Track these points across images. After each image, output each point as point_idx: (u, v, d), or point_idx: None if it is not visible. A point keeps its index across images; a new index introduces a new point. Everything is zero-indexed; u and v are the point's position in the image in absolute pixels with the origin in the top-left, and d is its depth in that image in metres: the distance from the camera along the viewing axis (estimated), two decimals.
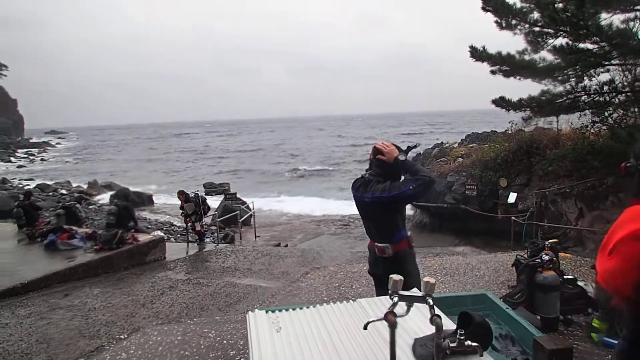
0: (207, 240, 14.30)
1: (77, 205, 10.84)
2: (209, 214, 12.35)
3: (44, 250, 8.84)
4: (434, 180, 2.88)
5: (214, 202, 19.61)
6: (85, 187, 28.67)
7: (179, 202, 11.26)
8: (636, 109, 10.69)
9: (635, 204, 1.77)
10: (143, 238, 9.41)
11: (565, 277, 4.10)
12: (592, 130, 11.43)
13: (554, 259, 3.96)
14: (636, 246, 1.57)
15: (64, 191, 26.36)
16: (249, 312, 2.33)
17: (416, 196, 2.87)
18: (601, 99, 10.72)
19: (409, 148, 3.02)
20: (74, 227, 9.84)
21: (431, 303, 1.62)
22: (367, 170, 3.15)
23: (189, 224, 11.30)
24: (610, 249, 1.64)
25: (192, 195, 11.22)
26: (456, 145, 21.00)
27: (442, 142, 23.72)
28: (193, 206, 10.86)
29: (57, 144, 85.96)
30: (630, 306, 1.75)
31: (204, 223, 11.69)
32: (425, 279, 1.66)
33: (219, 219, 13.68)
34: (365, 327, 1.68)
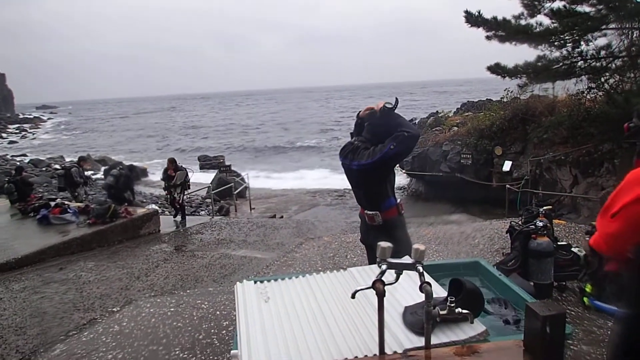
0: (202, 212, 14.27)
1: (75, 168, 10.75)
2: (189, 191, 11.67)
3: (36, 225, 8.78)
4: (415, 134, 2.77)
5: (208, 176, 19.53)
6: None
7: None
8: (633, 74, 10.56)
9: (638, 164, 1.72)
10: (137, 212, 9.36)
11: (559, 243, 4.09)
12: (588, 97, 11.32)
13: (548, 225, 3.93)
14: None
15: (57, 166, 26.16)
16: (237, 282, 2.29)
17: (400, 155, 2.80)
18: (598, 64, 10.57)
19: (397, 100, 2.88)
20: (66, 202, 9.76)
21: (421, 270, 1.56)
22: (353, 136, 3.07)
23: (172, 196, 10.55)
24: (614, 212, 1.59)
25: (181, 167, 10.71)
26: (451, 114, 20.83)
27: (437, 111, 23.51)
28: (183, 176, 10.36)
29: (48, 118, 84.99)
30: (630, 270, 1.72)
31: (186, 196, 11.29)
32: (415, 245, 1.60)
33: (213, 192, 13.63)
34: (353, 296, 1.64)
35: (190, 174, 10.68)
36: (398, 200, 3.01)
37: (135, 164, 26.08)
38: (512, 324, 1.99)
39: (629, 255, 1.60)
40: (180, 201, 10.51)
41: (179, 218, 10.57)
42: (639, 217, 1.54)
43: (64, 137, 53.62)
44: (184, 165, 10.97)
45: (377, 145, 2.81)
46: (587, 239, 1.85)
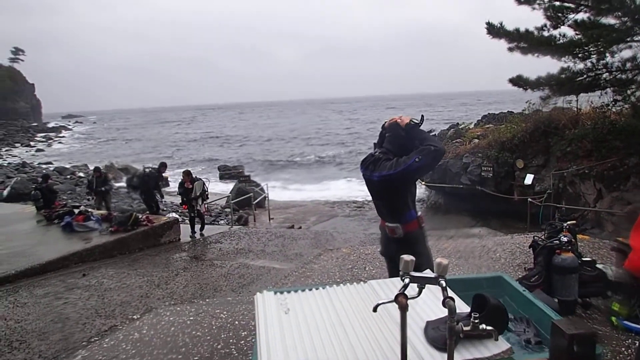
0: (221, 222, 14.38)
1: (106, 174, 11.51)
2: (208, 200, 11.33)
3: (60, 231, 8.97)
4: (441, 149, 2.75)
5: (227, 186, 19.64)
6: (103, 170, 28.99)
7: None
8: None
9: None
10: (158, 220, 9.49)
11: (583, 259, 3.99)
12: (613, 109, 11.12)
13: (573, 240, 3.84)
14: None
15: (81, 174, 26.73)
16: (257, 293, 2.30)
17: (424, 168, 2.78)
18: (623, 76, 10.37)
19: (423, 117, 2.92)
20: (89, 209, 9.96)
21: (444, 284, 1.54)
22: (376, 147, 3.08)
23: (194, 207, 9.96)
24: None
25: (197, 177, 10.40)
26: (472, 126, 20.64)
27: (457, 123, 23.33)
28: (202, 185, 10.00)
29: (74, 127, 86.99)
30: None
31: (206, 204, 10.74)
32: (438, 260, 1.58)
33: (232, 201, 13.72)
34: (375, 310, 1.62)
35: (207, 183, 10.61)
36: (419, 213, 2.99)
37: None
38: (533, 344, 1.94)
39: None
40: (204, 209, 10.34)
41: (198, 230, 10.18)
42: None
43: (89, 145, 54.76)
44: (198, 176, 10.76)
45: (400, 156, 2.81)
46: (619, 260, 1.77)
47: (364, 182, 3.10)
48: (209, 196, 10.82)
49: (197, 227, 10.25)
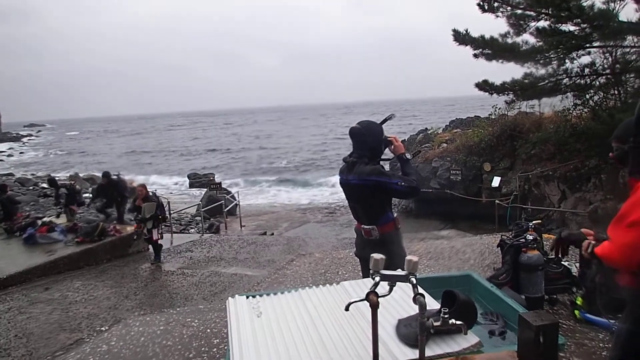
0: (192, 230, 14.13)
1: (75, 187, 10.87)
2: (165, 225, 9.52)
3: (22, 244, 8.64)
4: (419, 188, 2.89)
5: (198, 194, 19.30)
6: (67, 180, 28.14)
7: (160, 191, 10.69)
8: (616, 91, 10.79)
9: (633, 182, 1.74)
10: (126, 230, 9.25)
11: (549, 257, 4.11)
12: (573, 113, 11.52)
13: (538, 239, 3.96)
14: None
15: (45, 185, 25.85)
16: (229, 298, 2.27)
17: (399, 193, 2.91)
18: (582, 81, 10.79)
19: (391, 115, 3.11)
20: (53, 220, 9.63)
21: (414, 282, 1.56)
22: (350, 154, 3.11)
23: (142, 229, 8.25)
24: (633, 221, 1.61)
25: (152, 195, 8.60)
26: (440, 130, 21.04)
27: (426, 128, 23.72)
28: (154, 207, 8.16)
29: (36, 137, 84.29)
30: (636, 284, 1.72)
31: (161, 231, 8.53)
32: (408, 257, 1.60)
33: (203, 209, 13.54)
34: (347, 309, 1.63)
35: (165, 204, 9.31)
36: (395, 215, 3.04)
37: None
38: (497, 335, 1.97)
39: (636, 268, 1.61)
40: (156, 237, 8.24)
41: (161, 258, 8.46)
42: None
43: (51, 155, 53.09)
44: (158, 194, 9.21)
45: (374, 158, 2.96)
46: (593, 244, 1.84)
47: (341, 189, 3.18)
48: (165, 218, 9.03)
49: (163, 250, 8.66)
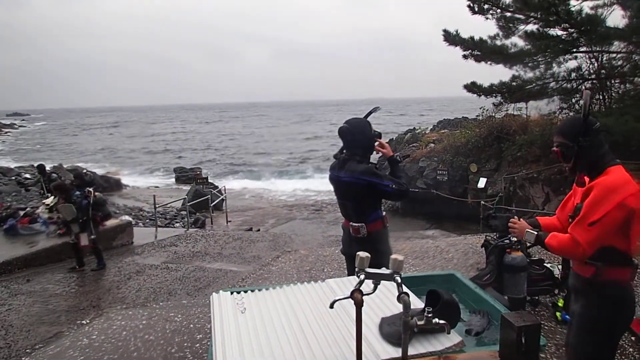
0: (177, 224, 14.03)
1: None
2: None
3: (3, 235, 8.48)
4: (408, 191, 2.96)
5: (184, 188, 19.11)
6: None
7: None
8: (601, 96, 10.96)
9: (583, 178, 1.99)
10: (110, 222, 9.12)
11: (532, 258, 4.16)
12: (559, 117, 11.67)
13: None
14: (618, 215, 1.79)
15: (27, 175, 25.39)
16: (214, 293, 2.26)
17: (389, 195, 2.96)
18: (568, 85, 10.96)
19: (376, 108, 3.18)
20: (36, 211, 9.46)
21: (399, 280, 1.56)
22: (340, 151, 3.10)
23: (70, 235, 7.11)
24: (593, 221, 1.81)
25: (78, 194, 6.98)
26: (428, 130, 21.18)
27: (414, 128, 23.86)
28: (73, 210, 6.79)
29: (20, 126, 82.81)
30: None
31: (93, 237, 7.02)
32: (393, 256, 1.60)
33: (189, 204, 13.44)
34: (331, 306, 1.63)
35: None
36: (384, 213, 3.05)
37: (108, 174, 25.58)
38: (472, 335, 1.98)
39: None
40: (84, 242, 7.00)
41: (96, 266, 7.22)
42: (615, 222, 1.80)
43: (34, 145, 52.20)
44: (90, 189, 7.20)
45: (366, 155, 2.98)
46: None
47: (331, 186, 3.18)
48: (100, 220, 7.37)
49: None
